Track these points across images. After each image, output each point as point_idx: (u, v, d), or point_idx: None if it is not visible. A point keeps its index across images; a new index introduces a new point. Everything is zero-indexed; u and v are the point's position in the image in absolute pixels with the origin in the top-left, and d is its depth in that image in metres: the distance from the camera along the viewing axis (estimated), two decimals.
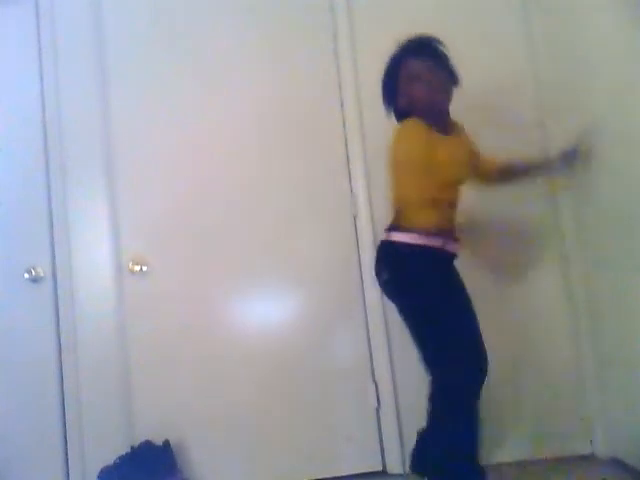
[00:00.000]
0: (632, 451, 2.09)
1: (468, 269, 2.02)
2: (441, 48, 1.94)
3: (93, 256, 2.45)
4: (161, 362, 2.40)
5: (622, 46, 1.90)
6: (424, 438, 1.98)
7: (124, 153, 2.49)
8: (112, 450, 2.24)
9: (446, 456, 1.82)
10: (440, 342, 1.83)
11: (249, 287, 2.43)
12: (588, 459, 2.27)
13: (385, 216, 1.99)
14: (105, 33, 2.53)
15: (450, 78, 1.93)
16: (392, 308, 2.06)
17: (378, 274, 1.98)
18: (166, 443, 2.26)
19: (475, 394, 1.82)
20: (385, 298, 2.15)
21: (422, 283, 1.85)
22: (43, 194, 2.48)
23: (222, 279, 2.44)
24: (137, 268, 2.43)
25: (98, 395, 2.39)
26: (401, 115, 1.97)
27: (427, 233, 1.85)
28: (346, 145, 2.44)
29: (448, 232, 1.91)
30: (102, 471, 2.21)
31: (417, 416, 1.98)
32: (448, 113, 1.97)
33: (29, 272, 2.44)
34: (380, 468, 2.33)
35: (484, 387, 1.82)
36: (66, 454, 2.40)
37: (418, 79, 1.90)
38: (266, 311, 2.43)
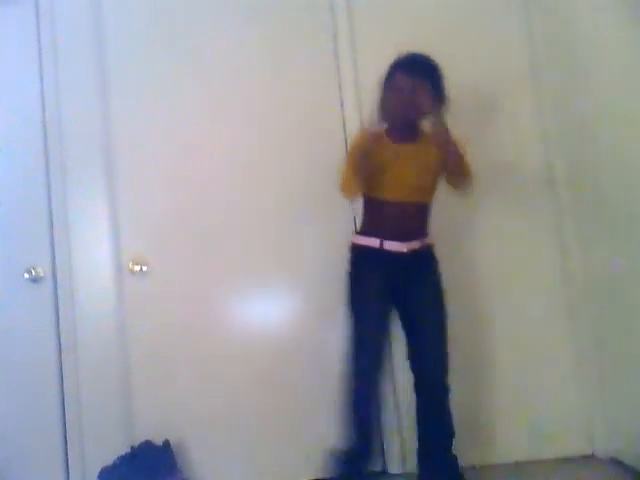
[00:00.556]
0: (632, 451, 2.09)
1: (466, 266, 2.01)
2: (434, 69, 1.97)
3: (93, 256, 2.45)
4: (161, 362, 2.40)
5: (622, 46, 1.90)
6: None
7: (124, 153, 2.49)
8: (112, 450, 2.24)
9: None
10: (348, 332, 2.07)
11: (249, 287, 2.43)
12: (588, 459, 2.27)
13: None
14: (105, 33, 2.52)
15: (436, 96, 1.94)
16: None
17: None
18: (166, 443, 2.26)
19: (363, 382, 2.03)
20: None
21: (347, 279, 2.08)
22: (43, 194, 2.48)
23: (222, 279, 2.44)
24: (137, 268, 2.43)
25: (98, 395, 2.39)
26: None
27: (362, 233, 2.09)
28: (346, 145, 2.44)
29: (391, 232, 1.99)
30: (102, 471, 2.21)
31: None
32: (414, 124, 2.03)
33: (29, 272, 2.44)
34: (380, 468, 2.33)
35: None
36: (66, 454, 2.40)
37: (399, 91, 1.96)
38: (266, 311, 2.43)
